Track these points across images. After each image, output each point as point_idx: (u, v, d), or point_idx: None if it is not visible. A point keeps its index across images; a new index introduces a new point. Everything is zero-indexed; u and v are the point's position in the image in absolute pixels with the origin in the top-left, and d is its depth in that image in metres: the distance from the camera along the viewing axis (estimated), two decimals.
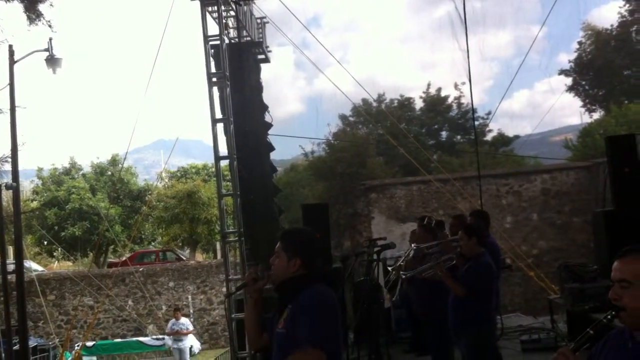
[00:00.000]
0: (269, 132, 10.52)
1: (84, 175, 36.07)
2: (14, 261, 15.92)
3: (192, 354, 20.56)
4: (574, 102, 30.62)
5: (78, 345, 20.30)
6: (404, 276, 7.29)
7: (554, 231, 17.78)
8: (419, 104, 29.62)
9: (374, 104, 27.65)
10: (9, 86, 15.08)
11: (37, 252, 35.91)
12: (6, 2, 11.89)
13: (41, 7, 12.21)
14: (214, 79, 8.95)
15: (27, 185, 36.13)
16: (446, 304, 6.37)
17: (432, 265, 6.62)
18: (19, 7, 12.10)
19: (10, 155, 14.79)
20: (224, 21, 9.29)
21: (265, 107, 10.32)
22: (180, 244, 34.71)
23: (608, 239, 8.07)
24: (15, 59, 15.31)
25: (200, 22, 8.95)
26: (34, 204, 33.81)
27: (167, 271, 24.02)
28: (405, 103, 29.67)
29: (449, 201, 17.09)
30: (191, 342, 20.14)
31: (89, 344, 20.71)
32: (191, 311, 23.39)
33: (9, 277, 15.30)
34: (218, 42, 8.96)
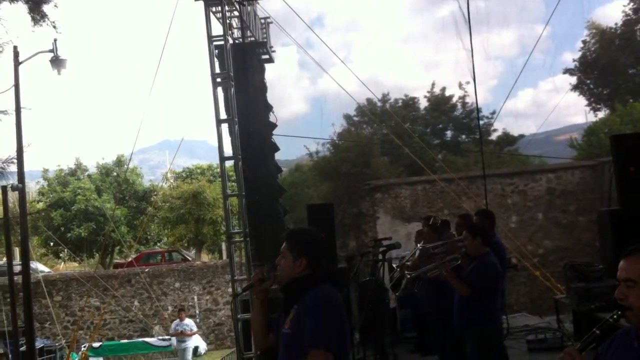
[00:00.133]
0: (274, 132, 10.53)
1: (89, 176, 36.15)
2: (21, 262, 15.98)
3: (198, 355, 20.61)
4: (579, 101, 30.57)
5: (84, 346, 20.37)
6: (408, 276, 7.29)
7: (560, 230, 17.73)
8: (423, 103, 29.61)
9: (379, 104, 27.65)
10: (14, 87, 15.11)
11: (44, 253, 36.01)
12: (10, 3, 11.91)
13: (46, 8, 12.21)
14: (218, 80, 8.96)
15: (32, 187, 36.25)
16: (452, 304, 6.37)
17: (437, 265, 6.61)
18: (24, 8, 12.11)
19: (15, 157, 14.81)
20: (227, 21, 9.29)
21: (269, 107, 10.32)
22: (185, 245, 34.77)
23: (614, 238, 8.05)
24: (20, 60, 15.35)
25: (204, 22, 8.96)
26: (40, 205, 33.89)
27: (173, 272, 24.06)
28: (410, 103, 29.64)
29: (454, 201, 17.06)
30: (196, 342, 20.19)
31: (96, 344, 20.78)
32: (197, 312, 23.43)
33: (16, 278, 15.34)
34: (222, 42, 8.97)
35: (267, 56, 11.03)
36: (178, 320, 18.62)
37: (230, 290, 16.97)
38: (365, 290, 8.12)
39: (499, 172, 18.90)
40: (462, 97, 28.66)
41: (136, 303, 23.53)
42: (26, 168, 15.53)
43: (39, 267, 26.23)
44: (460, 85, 28.39)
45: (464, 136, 29.30)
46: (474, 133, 27.38)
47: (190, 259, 29.61)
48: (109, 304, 22.47)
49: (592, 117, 29.27)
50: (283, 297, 3.36)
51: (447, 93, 29.25)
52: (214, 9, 9.16)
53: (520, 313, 12.80)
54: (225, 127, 9.00)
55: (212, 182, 34.78)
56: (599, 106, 29.46)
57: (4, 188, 14.21)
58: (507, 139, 27.97)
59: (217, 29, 9.07)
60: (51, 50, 16.11)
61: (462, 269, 6.39)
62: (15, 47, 15.11)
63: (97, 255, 32.79)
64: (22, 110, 15.18)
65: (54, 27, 12.52)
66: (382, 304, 7.59)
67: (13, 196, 17.20)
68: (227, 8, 9.24)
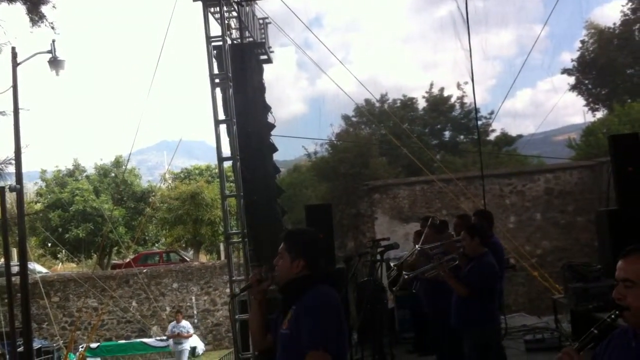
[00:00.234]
0: (272, 132, 10.52)
1: (87, 177, 36.12)
2: (18, 263, 15.94)
3: (196, 355, 20.60)
4: (577, 101, 30.57)
5: (82, 347, 20.32)
6: (406, 277, 7.29)
7: (558, 231, 17.74)
8: (421, 103, 29.61)
9: (377, 104, 27.66)
10: (12, 88, 15.10)
11: (41, 254, 35.98)
12: (9, 4, 11.91)
13: (44, 9, 12.23)
14: (217, 80, 8.95)
15: (30, 187, 36.25)
16: (450, 304, 6.37)
17: (435, 265, 6.62)
18: (22, 9, 12.11)
19: (13, 157, 14.80)
20: (226, 22, 9.29)
21: (268, 108, 10.31)
22: (184, 245, 34.76)
23: (612, 238, 8.06)
24: (18, 61, 15.34)
25: (202, 23, 8.96)
26: (38, 206, 33.87)
27: (171, 272, 24.04)
28: (408, 103, 29.64)
29: (452, 201, 17.07)
30: (194, 343, 20.18)
31: (93, 345, 20.77)
32: (195, 312, 23.42)
33: (13, 279, 15.33)
34: (220, 43, 8.97)
35: (265, 57, 11.02)
36: (175, 322, 18.61)
37: (228, 290, 16.96)
38: (364, 291, 8.12)
39: (497, 173, 18.92)
40: (461, 98, 28.71)
41: (134, 304, 23.50)
42: (24, 169, 15.53)
43: (37, 268, 26.19)
44: (458, 86, 28.45)
45: (462, 136, 29.31)
46: (473, 133, 27.41)
47: (188, 259, 29.60)
48: (106, 304, 22.44)
49: (590, 117, 29.35)
50: (281, 297, 3.36)
51: (446, 93, 29.30)
52: (212, 9, 9.15)
53: (518, 313, 12.82)
54: (223, 127, 9.00)
55: (210, 182, 34.77)
56: (597, 106, 29.49)
57: (2, 189, 14.20)
58: (506, 139, 27.99)
59: (216, 29, 9.08)
60: (49, 51, 16.10)
61: (460, 269, 6.40)
62: (13, 48, 15.11)
63: (95, 256, 32.77)
64: (20, 111, 15.17)
65: (52, 28, 12.54)
66: (381, 304, 7.59)
67: (11, 197, 17.20)
68: (225, 8, 9.23)
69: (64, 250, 32.45)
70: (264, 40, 11.11)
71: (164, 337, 20.55)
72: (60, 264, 37.35)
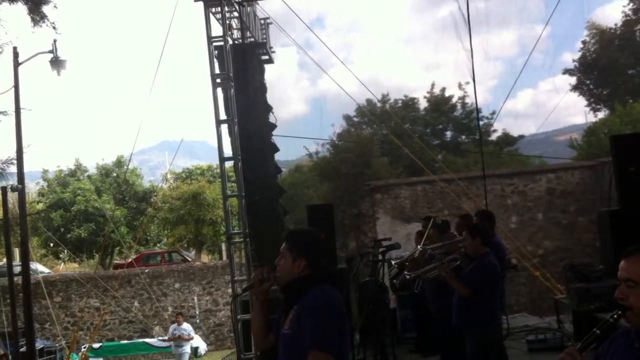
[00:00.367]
0: (273, 132, 10.51)
1: (89, 176, 36.14)
2: (20, 263, 15.98)
3: (198, 355, 20.62)
4: (579, 102, 30.56)
5: (84, 347, 20.37)
6: (407, 277, 7.29)
7: (560, 231, 17.72)
8: (423, 104, 29.58)
9: (378, 104, 27.65)
10: (13, 88, 15.12)
11: (43, 254, 36.02)
12: (10, 3, 11.90)
13: (45, 9, 12.19)
14: (218, 80, 8.95)
15: (32, 187, 36.26)
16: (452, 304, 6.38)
17: (436, 265, 6.62)
18: (23, 9, 12.10)
19: (15, 157, 14.80)
20: (227, 22, 9.29)
21: (269, 108, 10.31)
22: (185, 245, 34.77)
23: (613, 238, 8.04)
24: (20, 61, 15.36)
25: (203, 23, 8.96)
26: (40, 206, 33.89)
27: (173, 272, 24.05)
28: (410, 103, 29.63)
29: (453, 201, 17.06)
30: (196, 344, 20.19)
31: (96, 345, 20.79)
32: (197, 312, 23.43)
33: (16, 279, 15.34)
34: (222, 43, 8.96)
35: (266, 57, 11.02)
36: (176, 324, 18.60)
37: (230, 291, 16.97)
38: (365, 291, 8.11)
39: (499, 173, 18.90)
40: (462, 98, 28.67)
41: (136, 304, 23.52)
42: (26, 169, 15.55)
43: (39, 268, 26.23)
44: (460, 86, 28.41)
45: (463, 136, 29.29)
46: (474, 133, 27.37)
47: (190, 259, 29.62)
48: (108, 304, 22.46)
49: (591, 118, 29.29)
50: (283, 297, 3.36)
51: (447, 93, 29.26)
52: (213, 9, 9.15)
53: (520, 313, 12.79)
54: (225, 127, 9.00)
55: (212, 182, 34.80)
56: (598, 106, 29.46)
57: (4, 189, 14.21)
58: (507, 140, 27.96)
59: (217, 29, 9.08)
60: (51, 51, 16.13)
61: (462, 269, 6.40)
62: (15, 48, 15.12)
63: (97, 256, 32.80)
64: (21, 111, 15.20)
65: (54, 28, 12.50)
66: (382, 304, 7.60)
67: (13, 197, 17.22)
68: (226, 9, 9.23)
69: (66, 251, 32.47)
70: (265, 41, 11.11)
71: (166, 338, 20.60)
72: (63, 264, 37.38)
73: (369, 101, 26.60)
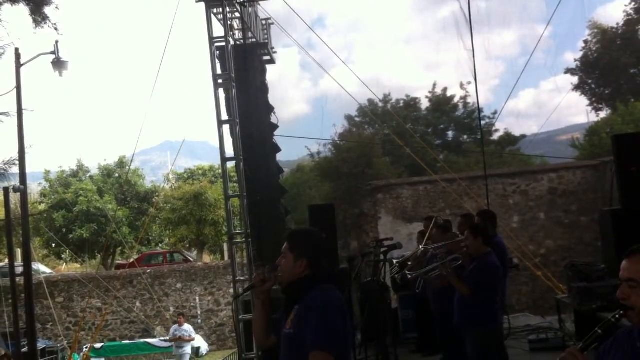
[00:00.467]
0: (275, 133, 10.53)
1: (91, 177, 36.14)
2: (22, 264, 15.98)
3: (200, 355, 20.63)
4: (580, 101, 30.65)
5: (86, 347, 20.39)
6: (409, 277, 7.29)
7: (561, 230, 17.71)
8: (424, 103, 29.59)
9: (380, 104, 27.64)
10: (15, 89, 15.13)
11: (46, 255, 36.04)
12: (12, 5, 11.91)
13: (47, 10, 12.19)
14: (220, 81, 8.97)
15: (34, 188, 36.24)
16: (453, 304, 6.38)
17: (438, 265, 6.62)
18: (25, 10, 12.10)
19: (17, 158, 14.81)
20: (229, 23, 9.31)
21: (271, 108, 10.32)
22: (187, 246, 34.79)
23: (615, 238, 8.04)
24: (22, 62, 15.37)
25: (205, 23, 8.98)
26: (42, 207, 33.90)
27: (175, 273, 24.06)
28: (411, 103, 29.64)
29: (455, 201, 17.06)
30: (198, 344, 20.20)
31: (97, 345, 20.82)
32: (199, 312, 23.44)
33: (18, 279, 15.36)
34: (223, 43, 8.99)
35: (268, 57, 11.03)
36: (177, 325, 18.60)
37: (231, 291, 16.97)
38: (367, 291, 8.13)
39: (501, 172, 18.89)
40: (464, 98, 28.69)
41: (138, 304, 23.54)
42: (28, 170, 15.56)
43: (41, 269, 26.28)
44: (461, 86, 28.44)
45: (465, 136, 29.28)
46: (476, 133, 27.35)
47: (192, 260, 29.62)
48: (110, 305, 22.48)
49: (593, 117, 29.25)
50: (284, 297, 3.36)
51: (449, 93, 29.28)
52: (215, 10, 9.17)
53: (522, 313, 12.80)
54: (226, 128, 9.02)
55: (214, 183, 34.80)
56: (600, 106, 29.42)
57: (6, 190, 14.24)
58: (509, 139, 27.95)
59: (219, 30, 9.11)
60: (53, 52, 16.14)
61: (463, 268, 6.40)
62: (16, 49, 15.13)
63: (99, 256, 32.80)
64: (23, 112, 15.21)
65: (56, 29, 12.50)
66: (384, 304, 7.61)
67: (15, 198, 17.22)
68: (228, 9, 9.26)
69: (67, 251, 32.46)
70: (266, 41, 11.12)
71: (167, 338, 20.61)
72: (64, 264, 37.40)
73: (370, 101, 26.62)
